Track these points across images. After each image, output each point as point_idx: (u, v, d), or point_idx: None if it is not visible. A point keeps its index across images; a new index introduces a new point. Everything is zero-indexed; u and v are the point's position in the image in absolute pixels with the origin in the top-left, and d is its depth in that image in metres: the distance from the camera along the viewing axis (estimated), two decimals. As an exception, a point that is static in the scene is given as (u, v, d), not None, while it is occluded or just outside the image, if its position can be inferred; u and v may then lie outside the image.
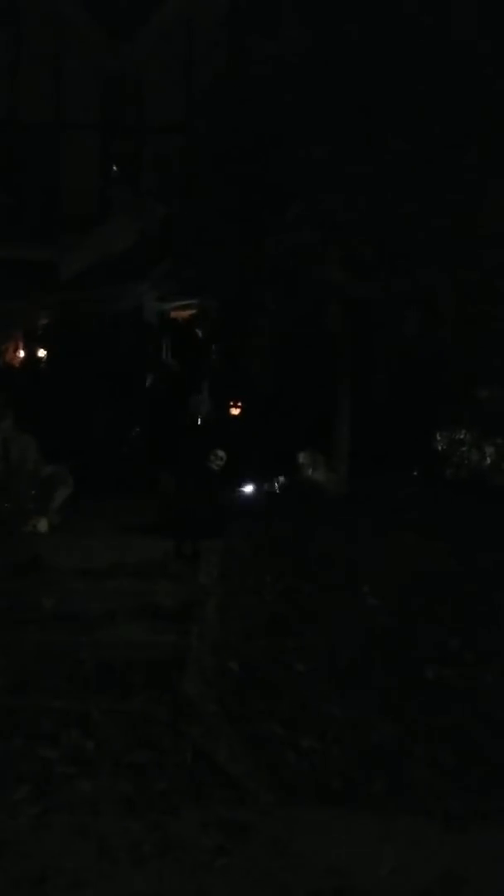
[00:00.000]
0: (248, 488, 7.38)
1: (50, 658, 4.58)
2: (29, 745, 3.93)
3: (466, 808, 3.57)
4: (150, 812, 3.56)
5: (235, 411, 8.99)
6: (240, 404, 9.03)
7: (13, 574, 5.39)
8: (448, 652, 4.72)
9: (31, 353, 10.64)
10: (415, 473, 8.42)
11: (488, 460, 8.39)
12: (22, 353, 10.81)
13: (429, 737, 4.04)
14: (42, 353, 10.40)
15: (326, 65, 7.63)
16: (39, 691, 4.35)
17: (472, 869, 3.22)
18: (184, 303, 10.17)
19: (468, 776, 3.76)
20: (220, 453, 6.97)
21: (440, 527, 6.33)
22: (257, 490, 7.34)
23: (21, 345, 10.88)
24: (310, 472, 7.51)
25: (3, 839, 3.36)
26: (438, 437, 8.60)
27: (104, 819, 3.50)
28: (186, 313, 10.27)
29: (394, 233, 7.32)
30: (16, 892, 3.09)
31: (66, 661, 4.57)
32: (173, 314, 10.49)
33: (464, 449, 8.43)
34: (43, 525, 6.19)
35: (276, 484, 7.49)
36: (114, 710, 4.18)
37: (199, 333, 9.71)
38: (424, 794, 3.69)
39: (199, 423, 8.83)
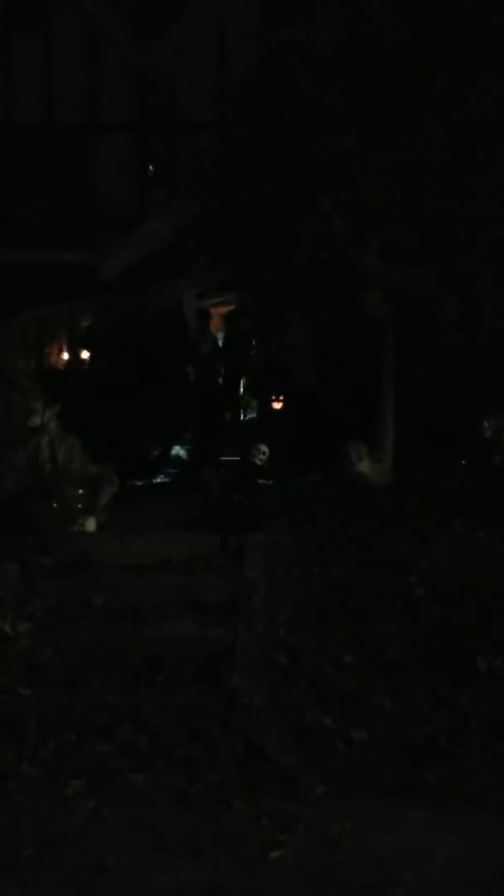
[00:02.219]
0: (292, 481, 7.36)
1: (101, 654, 4.64)
2: (83, 740, 4.01)
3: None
4: (202, 804, 3.60)
5: (277, 405, 8.97)
6: (282, 398, 9.01)
7: (63, 572, 5.48)
8: (499, 642, 4.65)
9: (74, 355, 10.78)
10: (461, 462, 8.29)
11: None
12: (66, 356, 10.96)
13: (481, 728, 3.99)
14: (85, 354, 10.52)
15: (357, 52, 7.55)
16: (91, 687, 4.42)
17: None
18: (223, 298, 10.19)
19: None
20: (264, 448, 6.98)
21: (488, 516, 6.23)
22: (301, 483, 7.31)
23: (64, 347, 11.03)
24: (354, 463, 7.45)
25: (61, 832, 3.43)
26: (485, 425, 8.45)
27: (158, 812, 3.56)
28: (226, 309, 10.28)
29: (430, 219, 7.21)
30: (75, 884, 3.15)
31: (117, 656, 4.63)
32: (213, 310, 10.51)
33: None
34: (90, 524, 6.27)
35: (320, 476, 7.46)
36: (165, 704, 4.24)
37: (239, 328, 9.72)
38: (478, 785, 3.66)
39: (241, 417, 8.84)
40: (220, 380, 9.47)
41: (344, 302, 7.45)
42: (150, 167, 12.68)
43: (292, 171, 7.53)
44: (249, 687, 4.28)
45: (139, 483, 7.73)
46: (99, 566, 5.60)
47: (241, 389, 9.42)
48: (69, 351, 10.93)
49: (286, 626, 4.88)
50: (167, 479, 8.22)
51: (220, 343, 10.09)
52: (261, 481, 6.93)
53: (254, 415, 9.22)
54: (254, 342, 9.65)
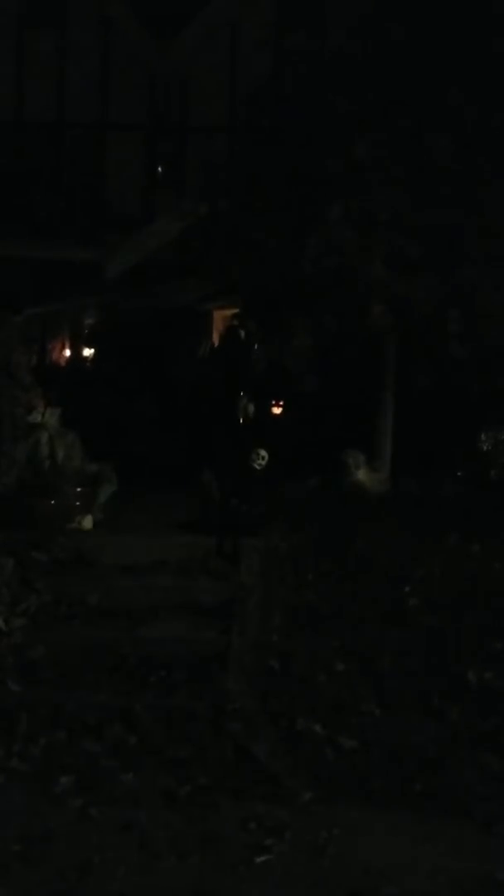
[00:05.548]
0: (290, 487, 7.38)
1: (94, 653, 4.66)
2: (73, 739, 4.01)
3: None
4: (190, 806, 3.61)
5: (277, 410, 8.99)
6: (282, 403, 9.03)
7: (59, 570, 5.50)
8: (490, 655, 4.67)
9: (76, 353, 10.79)
10: (458, 474, 8.32)
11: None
12: (68, 353, 10.97)
13: (470, 739, 4.01)
14: (88, 352, 10.53)
15: (367, 63, 7.59)
16: (83, 685, 4.43)
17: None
18: (226, 302, 10.21)
19: (510, 780, 3.73)
20: (263, 452, 6.99)
21: (483, 528, 6.26)
22: (299, 489, 7.33)
23: (67, 344, 11.05)
24: (352, 472, 7.47)
25: (49, 830, 3.44)
26: (483, 438, 8.48)
27: (146, 812, 3.56)
28: (229, 312, 10.30)
29: (436, 231, 7.25)
30: (61, 882, 3.16)
31: (110, 656, 4.64)
32: (216, 312, 10.53)
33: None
34: (88, 522, 6.29)
35: (317, 483, 7.48)
36: (156, 705, 4.24)
37: (242, 332, 9.74)
38: (465, 796, 3.67)
39: (241, 421, 8.84)
40: (221, 383, 9.48)
41: (348, 310, 7.48)
42: (160, 168, 12.72)
43: (301, 179, 7.56)
44: (241, 691, 4.30)
45: (138, 482, 7.70)
46: (94, 565, 5.62)
47: (241, 393, 9.43)
48: (71, 348, 10.95)
49: (279, 631, 4.90)
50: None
51: (222, 346, 10.10)
52: (258, 486, 6.94)
53: (253, 419, 9.23)
54: (256, 346, 9.66)
